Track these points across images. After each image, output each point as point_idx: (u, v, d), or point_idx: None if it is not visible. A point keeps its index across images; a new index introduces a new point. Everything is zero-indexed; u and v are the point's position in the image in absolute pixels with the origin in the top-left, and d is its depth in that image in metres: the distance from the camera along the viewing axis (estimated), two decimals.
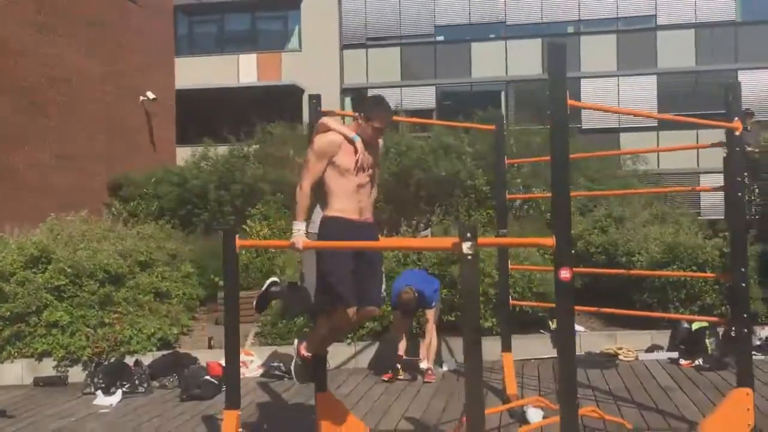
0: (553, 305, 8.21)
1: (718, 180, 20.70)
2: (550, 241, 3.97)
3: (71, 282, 8.23)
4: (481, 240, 3.62)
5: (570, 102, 3.99)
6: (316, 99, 5.48)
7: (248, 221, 11.37)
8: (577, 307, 4.45)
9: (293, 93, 26.41)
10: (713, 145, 5.72)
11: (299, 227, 4.57)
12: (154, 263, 9.70)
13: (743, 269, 5.15)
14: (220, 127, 20.35)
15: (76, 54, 13.88)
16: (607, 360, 7.87)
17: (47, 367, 7.87)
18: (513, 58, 25.78)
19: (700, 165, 23.49)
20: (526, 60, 25.52)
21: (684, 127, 23.66)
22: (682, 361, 7.73)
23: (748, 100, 23.93)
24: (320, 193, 4.69)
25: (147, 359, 7.84)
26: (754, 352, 7.93)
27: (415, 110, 24.46)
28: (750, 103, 23.64)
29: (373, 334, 8.23)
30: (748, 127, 10.80)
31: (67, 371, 7.83)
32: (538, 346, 8.26)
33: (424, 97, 25.78)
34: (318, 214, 4.81)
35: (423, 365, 7.41)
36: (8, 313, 7.96)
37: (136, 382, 7.20)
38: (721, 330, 7.96)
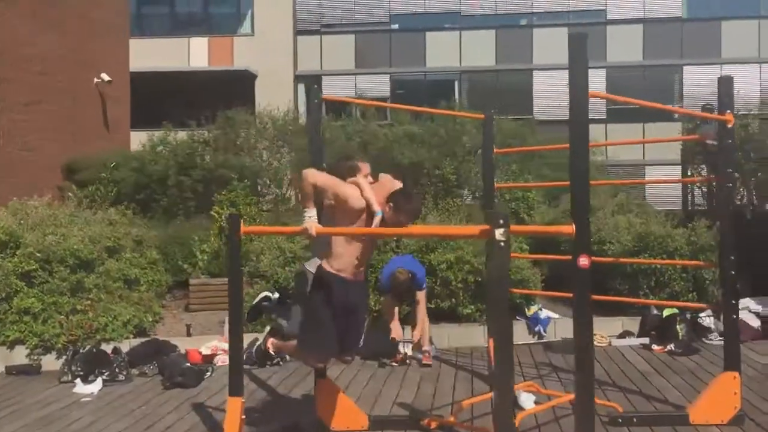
0: (534, 292, 8.43)
1: (663, 172, 21.28)
2: (569, 228, 4.06)
3: (41, 268, 7.98)
4: (513, 228, 3.67)
5: (591, 93, 4.06)
6: (316, 86, 5.46)
7: (215, 207, 11.18)
8: (597, 296, 4.57)
9: (245, 78, 26.08)
10: (700, 138, 5.91)
11: (310, 214, 4.58)
12: (122, 249, 9.50)
13: (732, 258, 5.36)
14: (170, 111, 19.98)
15: (27, 32, 13.36)
16: None
17: (19, 356, 7.61)
18: (467, 48, 26.01)
19: (646, 157, 24.21)
20: (479, 51, 25.79)
21: (630, 120, 24.26)
22: (655, 347, 7.99)
23: (692, 94, 24.92)
24: (323, 222, 4.69)
25: (123, 347, 7.68)
26: (720, 338, 8.30)
27: (369, 98, 24.42)
28: (692, 97, 24.56)
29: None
30: (709, 121, 11.12)
31: (41, 359, 7.59)
32: (514, 332, 8.40)
33: (378, 85, 25.78)
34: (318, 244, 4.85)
35: (424, 348, 7.55)
36: None
37: (116, 370, 7.04)
38: (689, 316, 8.28)
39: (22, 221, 8.74)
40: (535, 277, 8.83)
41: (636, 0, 25.79)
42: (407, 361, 7.56)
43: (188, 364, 7.19)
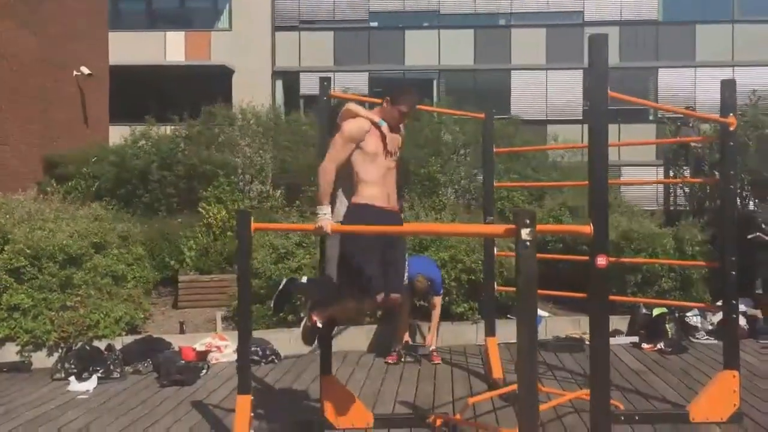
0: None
1: (638, 172, 21.55)
2: (587, 228, 4.10)
3: (30, 264, 7.85)
4: (540, 227, 3.70)
5: (611, 93, 4.11)
6: (327, 81, 5.43)
7: (203, 203, 11.09)
8: (615, 297, 4.61)
9: (223, 73, 25.87)
10: (705, 140, 5.99)
11: (325, 211, 4.55)
12: (108, 245, 9.38)
13: (733, 258, 5.45)
14: (146, 105, 19.73)
15: (3, 26, 13.10)
16: (575, 344, 8.16)
17: (9, 353, 7.48)
18: (446, 47, 26.10)
19: (621, 158, 24.51)
20: (458, 49, 25.90)
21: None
22: (644, 345, 8.11)
23: (666, 96, 25.32)
24: (346, 180, 4.67)
25: (116, 344, 7.58)
26: (707, 336, 8.46)
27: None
28: (667, 100, 24.95)
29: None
30: (691, 124, 11.34)
31: (31, 356, 7.47)
32: (505, 331, 8.45)
33: (356, 82, 25.74)
34: (342, 204, 4.76)
35: (432, 347, 7.66)
36: None
37: (111, 367, 6.95)
38: (679, 315, 8.42)
39: (8, 216, 8.60)
40: None
41: (613, 2, 26.10)
42: (402, 360, 7.59)
43: (183, 362, 7.13)
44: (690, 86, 25.56)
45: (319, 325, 4.92)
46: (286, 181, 13.18)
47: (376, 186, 4.60)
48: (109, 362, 7.00)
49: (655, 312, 8.43)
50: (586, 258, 4.02)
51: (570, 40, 25.85)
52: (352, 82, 26.11)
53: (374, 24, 26.78)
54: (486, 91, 24.91)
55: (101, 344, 7.48)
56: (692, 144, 10.98)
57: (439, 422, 5.39)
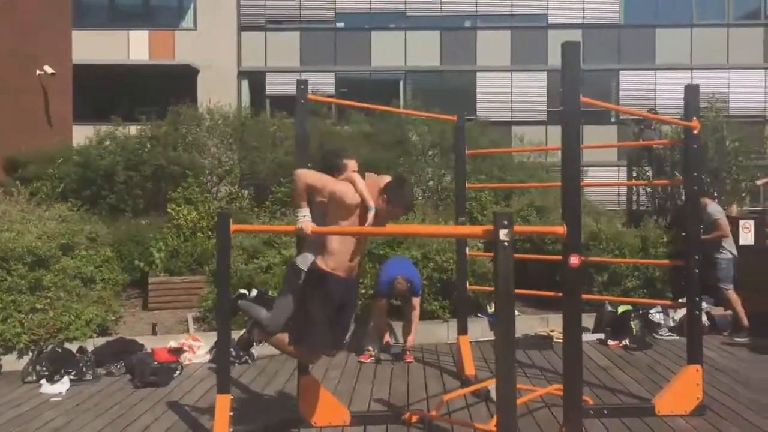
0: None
1: (601, 173, 21.81)
2: (561, 229, 4.25)
3: None
4: (517, 228, 3.82)
5: (583, 99, 4.26)
6: (303, 84, 5.50)
7: (172, 204, 11.04)
8: (588, 296, 4.75)
9: (187, 73, 25.67)
10: (672, 143, 6.19)
11: (304, 213, 4.63)
12: (77, 246, 9.31)
13: (697, 257, 5.65)
14: (110, 105, 19.53)
15: None
16: (543, 341, 8.33)
17: None
18: (412, 48, 26.26)
19: (584, 159, 24.90)
20: (424, 51, 26.08)
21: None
22: (610, 342, 8.33)
23: (627, 98, 25.82)
24: (316, 219, 4.69)
25: (88, 346, 7.55)
26: (669, 333, 8.71)
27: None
28: (628, 101, 25.46)
29: None
30: (653, 126, 11.59)
31: (1, 359, 7.39)
32: (475, 329, 8.60)
33: (323, 83, 25.77)
34: (308, 256, 4.84)
35: (409, 346, 7.81)
36: None
37: (83, 369, 6.92)
38: (642, 312, 8.66)
39: None
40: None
41: (576, 6, 26.52)
42: (373, 358, 7.69)
43: (157, 363, 7.12)
44: (650, 88, 26.11)
45: (255, 341, 5.13)
46: (254, 182, 13.18)
47: (342, 258, 4.66)
48: (81, 364, 6.97)
49: (620, 310, 8.65)
50: (556, 257, 4.15)
51: (534, 42, 26.21)
52: (319, 83, 26.18)
53: (341, 25, 26.82)
54: (452, 92, 25.12)
55: (72, 346, 7.44)
56: (655, 146, 11.25)
57: (414, 419, 5.51)
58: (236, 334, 7.84)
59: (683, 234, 5.80)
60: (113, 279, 9.59)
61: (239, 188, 13.25)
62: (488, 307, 8.80)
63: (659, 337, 8.66)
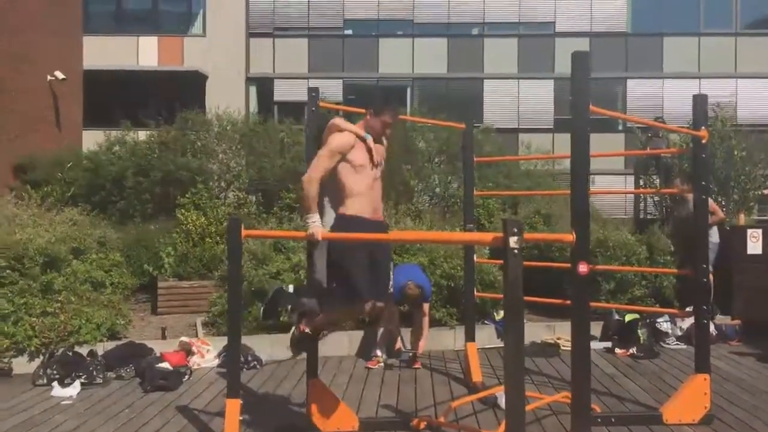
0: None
1: (608, 181, 21.92)
2: (569, 237, 4.28)
3: (11, 267, 7.83)
4: (526, 235, 3.86)
5: (592, 108, 4.30)
6: (315, 92, 5.54)
7: (181, 210, 11.12)
8: (595, 304, 4.78)
9: (196, 79, 25.80)
10: (680, 152, 6.21)
11: (314, 218, 4.68)
12: (87, 250, 9.40)
13: (705, 266, 5.67)
14: (119, 110, 19.61)
15: None
16: (550, 349, 8.35)
17: None
18: (419, 55, 26.36)
19: (591, 167, 24.88)
20: (432, 58, 26.17)
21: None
22: (618, 350, 8.33)
23: (634, 106, 25.83)
24: (333, 192, 4.79)
25: (98, 350, 7.60)
26: (676, 342, 8.72)
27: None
28: (635, 109, 25.46)
29: None
30: (660, 134, 11.64)
31: (12, 362, 7.44)
32: (482, 336, 8.63)
33: (331, 89, 25.85)
34: (329, 215, 4.89)
35: (418, 352, 7.80)
36: None
37: (93, 372, 6.96)
38: (650, 321, 8.67)
39: None
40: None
41: (583, 14, 26.57)
42: (381, 365, 7.72)
43: (167, 367, 7.16)
44: (658, 96, 26.12)
45: (308, 332, 5.05)
46: (262, 188, 13.26)
47: (363, 198, 4.74)
48: (91, 368, 7.01)
49: (627, 318, 8.67)
50: (564, 265, 4.18)
51: (541, 50, 26.26)
52: (327, 90, 26.27)
53: (349, 32, 26.92)
54: (459, 99, 25.18)
55: (83, 350, 7.48)
56: (662, 155, 11.31)
57: (422, 425, 5.53)
58: (246, 339, 7.95)
59: (686, 243, 5.83)
60: (123, 283, 9.68)
61: (247, 194, 13.34)
62: (495, 314, 8.81)
63: (667, 345, 8.66)
